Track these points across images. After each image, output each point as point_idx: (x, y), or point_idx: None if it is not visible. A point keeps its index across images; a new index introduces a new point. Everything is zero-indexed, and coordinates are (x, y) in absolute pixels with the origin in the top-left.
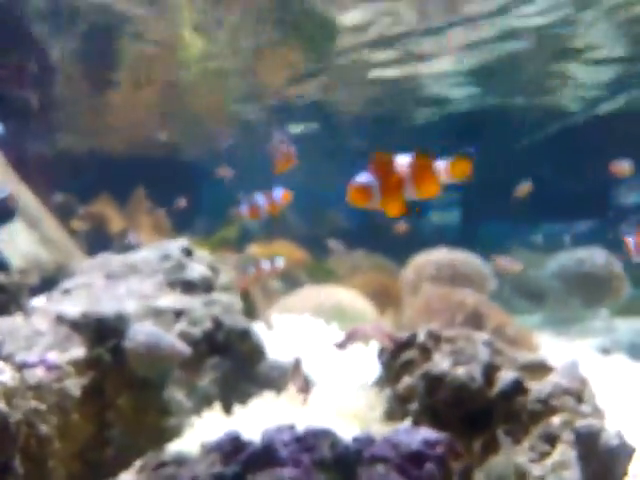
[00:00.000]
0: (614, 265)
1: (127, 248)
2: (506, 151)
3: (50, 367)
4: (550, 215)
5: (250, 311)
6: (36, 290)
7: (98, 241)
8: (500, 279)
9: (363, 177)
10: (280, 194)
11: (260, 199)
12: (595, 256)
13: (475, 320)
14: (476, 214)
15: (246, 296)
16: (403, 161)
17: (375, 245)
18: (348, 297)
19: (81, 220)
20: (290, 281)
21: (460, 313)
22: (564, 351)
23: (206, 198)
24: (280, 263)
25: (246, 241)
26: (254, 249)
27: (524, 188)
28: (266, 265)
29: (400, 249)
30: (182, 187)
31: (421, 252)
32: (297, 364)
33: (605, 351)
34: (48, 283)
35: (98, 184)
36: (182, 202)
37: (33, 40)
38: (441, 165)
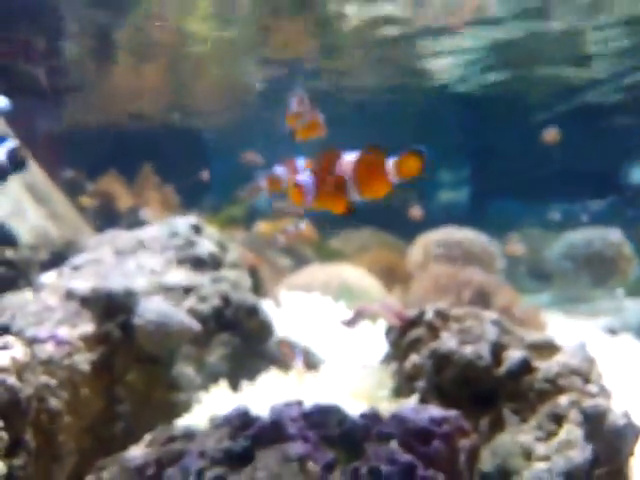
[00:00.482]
0: (623, 245)
1: (137, 224)
2: (518, 128)
3: (60, 342)
4: (562, 193)
5: (258, 288)
6: (45, 265)
7: (107, 217)
8: (509, 258)
9: (303, 175)
10: (303, 164)
11: (281, 170)
12: (604, 236)
13: (482, 298)
14: (486, 192)
15: (254, 273)
16: (348, 159)
17: (383, 222)
18: (355, 275)
19: (90, 196)
20: (298, 258)
21: (467, 291)
22: (571, 331)
23: (215, 174)
24: (303, 226)
25: (254, 218)
26: (262, 226)
27: (552, 134)
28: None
29: (408, 227)
30: (191, 162)
31: (429, 230)
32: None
33: (612, 331)
34: (57, 259)
35: (107, 159)
36: (204, 175)
37: (42, 13)
38: (389, 163)
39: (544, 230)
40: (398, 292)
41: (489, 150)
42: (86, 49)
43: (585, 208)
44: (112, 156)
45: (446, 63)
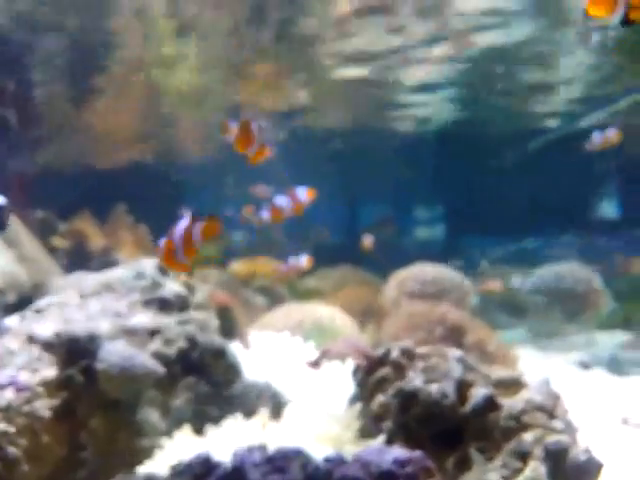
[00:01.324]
0: (593, 280)
1: (110, 265)
2: (488, 168)
3: (20, 388)
4: (533, 228)
5: (230, 328)
6: (13, 308)
7: (79, 258)
8: (481, 294)
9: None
10: (304, 192)
11: (282, 200)
12: (574, 271)
13: (455, 335)
14: (460, 229)
15: (227, 312)
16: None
17: (359, 260)
18: (329, 314)
19: (62, 237)
20: (273, 297)
21: (440, 328)
22: (544, 366)
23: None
24: (303, 261)
25: (229, 257)
26: (236, 266)
27: None
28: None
29: (385, 263)
30: (165, 201)
31: (404, 266)
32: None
33: (585, 366)
34: (25, 301)
35: (79, 200)
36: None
37: (12, 58)
38: (196, 228)
39: (516, 265)
40: (372, 330)
41: (462, 188)
42: (58, 93)
43: (555, 242)
44: (84, 196)
45: (417, 102)
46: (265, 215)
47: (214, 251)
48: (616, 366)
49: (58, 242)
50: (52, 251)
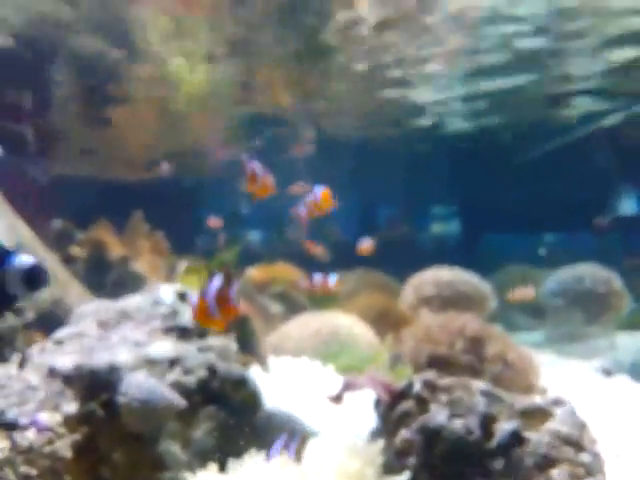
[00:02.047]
0: (613, 280)
1: (128, 274)
2: (507, 165)
3: (41, 429)
4: (550, 227)
5: (248, 339)
6: (33, 325)
7: (97, 267)
8: (501, 295)
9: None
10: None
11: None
12: (594, 272)
13: (475, 347)
14: (477, 225)
15: (245, 323)
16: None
17: (375, 259)
18: (347, 323)
19: (80, 246)
20: (290, 304)
21: (460, 342)
22: (566, 374)
23: (205, 217)
24: (333, 282)
25: (246, 263)
26: (254, 272)
27: None
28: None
29: (400, 263)
30: (181, 207)
31: (421, 267)
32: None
33: (607, 372)
34: (45, 318)
35: (96, 209)
36: (213, 221)
37: (30, 75)
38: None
39: (535, 265)
40: (390, 341)
41: (480, 185)
42: (74, 107)
43: (574, 241)
44: (101, 206)
45: (436, 102)
46: (302, 211)
47: (231, 256)
48: (639, 373)
49: (76, 252)
50: (70, 260)
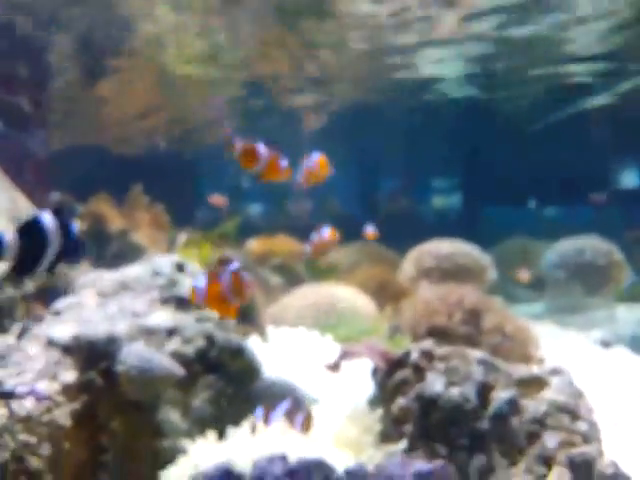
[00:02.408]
0: (614, 253)
1: (127, 247)
2: (509, 137)
3: (39, 398)
4: (551, 200)
5: (248, 310)
6: (32, 297)
7: (97, 239)
8: (501, 267)
9: (199, 280)
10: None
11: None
12: (595, 244)
13: (474, 318)
14: (478, 198)
15: None
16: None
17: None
18: (347, 295)
19: (80, 219)
20: (290, 276)
21: (459, 313)
22: (563, 344)
23: (206, 190)
24: (326, 235)
25: (246, 234)
26: (254, 244)
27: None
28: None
29: (401, 235)
30: (181, 179)
31: (422, 239)
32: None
33: (606, 344)
34: (44, 291)
35: (96, 181)
36: (216, 199)
37: (25, 44)
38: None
39: (535, 238)
40: (389, 312)
41: (481, 157)
42: (72, 79)
43: (575, 214)
44: (101, 178)
45: (439, 71)
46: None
47: (231, 228)
48: (638, 344)
49: (76, 224)
50: None
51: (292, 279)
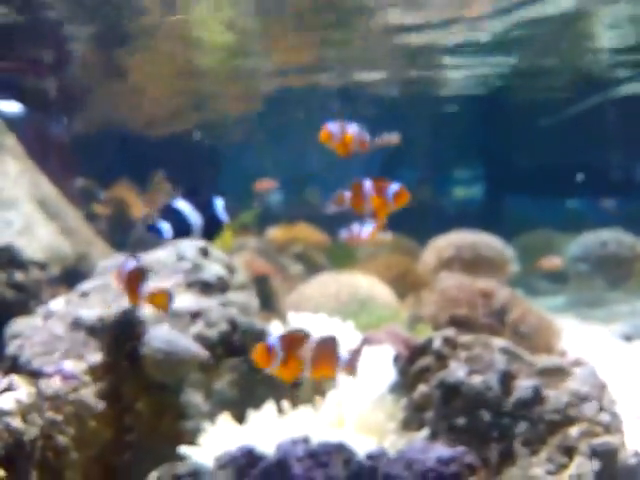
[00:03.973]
0: (638, 246)
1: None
2: (533, 127)
3: (66, 377)
4: (576, 191)
5: (269, 298)
6: (57, 281)
7: (120, 225)
8: (523, 259)
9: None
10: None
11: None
12: (619, 237)
13: (496, 309)
14: (501, 189)
15: (265, 282)
16: (311, 343)
17: (397, 222)
18: (367, 284)
19: (102, 205)
20: (309, 264)
21: (481, 304)
22: (586, 338)
23: (226, 178)
24: (366, 233)
25: (266, 224)
26: (275, 232)
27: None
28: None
29: (423, 226)
30: (201, 167)
31: (443, 230)
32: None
33: (628, 338)
34: (69, 274)
35: (119, 167)
36: (264, 184)
37: (50, 29)
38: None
39: (558, 230)
40: (410, 302)
41: (504, 148)
42: (96, 61)
43: (601, 207)
44: (124, 163)
45: (461, 64)
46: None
47: (251, 217)
48: None
49: (99, 210)
50: (92, 219)
51: (312, 267)
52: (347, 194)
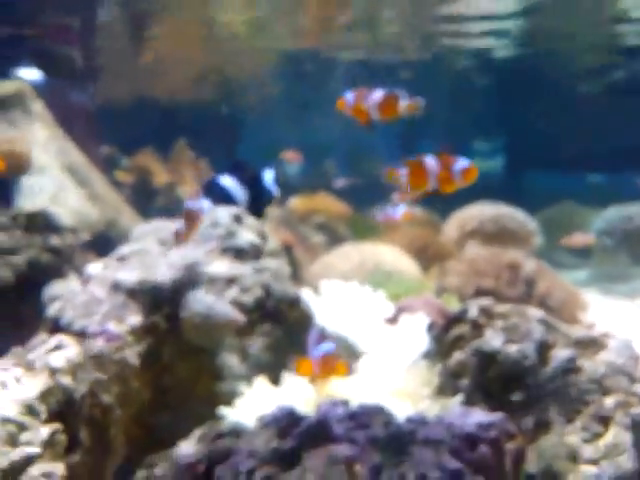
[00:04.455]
0: None
1: (174, 201)
2: (556, 99)
3: (111, 337)
4: (602, 166)
5: (293, 268)
6: (87, 246)
7: (143, 193)
8: (546, 232)
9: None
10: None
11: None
12: None
13: (522, 281)
14: (522, 162)
15: (289, 252)
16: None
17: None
18: (391, 255)
19: (126, 172)
20: (331, 234)
21: (508, 276)
22: (610, 312)
23: (247, 148)
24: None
25: (285, 194)
26: (296, 202)
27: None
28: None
29: (443, 198)
30: (223, 136)
31: (464, 203)
32: None
33: None
34: (99, 239)
35: (142, 134)
36: (292, 154)
37: None
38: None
39: (582, 204)
40: (434, 274)
41: (526, 120)
42: (122, 29)
43: (626, 181)
44: (147, 131)
45: (483, 27)
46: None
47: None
48: None
49: (123, 177)
50: (116, 186)
51: (334, 238)
52: (402, 170)
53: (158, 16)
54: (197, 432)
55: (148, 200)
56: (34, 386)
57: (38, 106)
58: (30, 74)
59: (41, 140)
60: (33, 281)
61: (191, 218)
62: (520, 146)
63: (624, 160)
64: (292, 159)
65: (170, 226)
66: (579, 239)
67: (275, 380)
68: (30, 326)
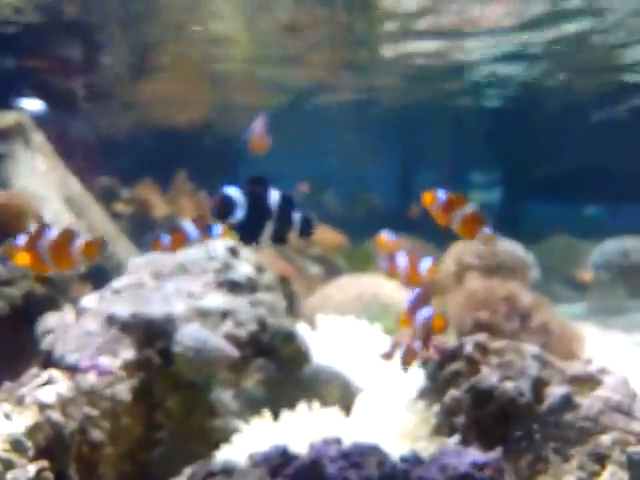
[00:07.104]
0: None
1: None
2: (552, 133)
3: (102, 372)
4: (595, 198)
5: (290, 300)
6: (82, 278)
7: (142, 225)
8: (542, 266)
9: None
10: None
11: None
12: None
13: (519, 314)
14: (518, 194)
15: (286, 284)
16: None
17: (414, 227)
18: (388, 287)
19: (125, 203)
20: (329, 266)
21: (504, 309)
22: (607, 347)
23: (243, 178)
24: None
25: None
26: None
27: None
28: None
29: (441, 230)
30: (219, 168)
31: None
32: None
33: None
34: (94, 271)
35: (141, 166)
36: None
37: (81, 30)
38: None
39: (577, 237)
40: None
41: (523, 154)
42: (124, 64)
43: (621, 212)
44: (146, 163)
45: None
46: None
47: None
48: None
49: (121, 208)
50: (115, 217)
51: (331, 270)
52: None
53: (162, 48)
54: (188, 470)
55: (146, 231)
56: (22, 422)
57: (38, 137)
58: (32, 105)
59: (41, 171)
60: (28, 312)
61: (176, 235)
62: (517, 179)
63: (619, 193)
64: (303, 190)
65: (165, 259)
66: (584, 275)
67: (273, 416)
68: (26, 357)
